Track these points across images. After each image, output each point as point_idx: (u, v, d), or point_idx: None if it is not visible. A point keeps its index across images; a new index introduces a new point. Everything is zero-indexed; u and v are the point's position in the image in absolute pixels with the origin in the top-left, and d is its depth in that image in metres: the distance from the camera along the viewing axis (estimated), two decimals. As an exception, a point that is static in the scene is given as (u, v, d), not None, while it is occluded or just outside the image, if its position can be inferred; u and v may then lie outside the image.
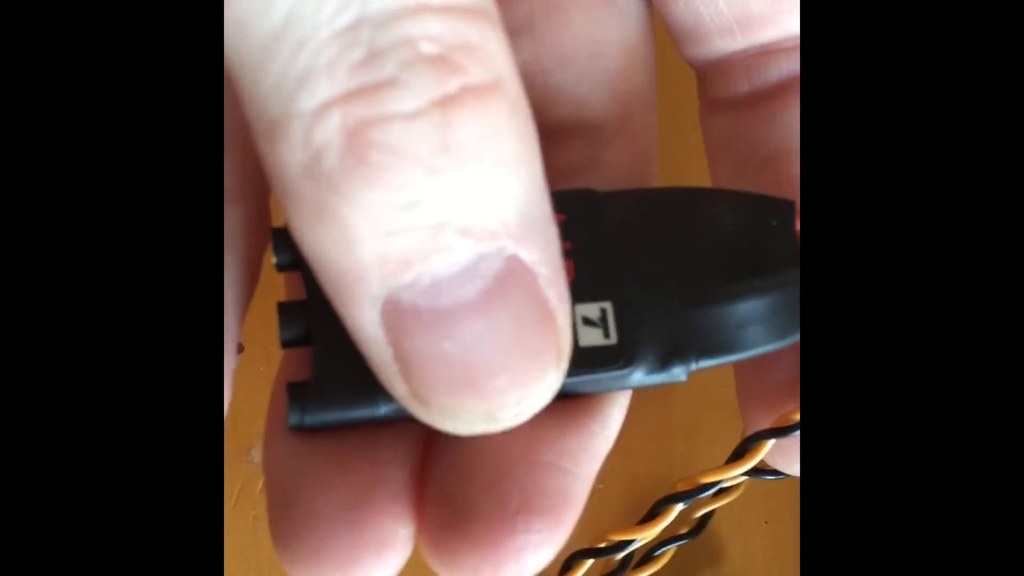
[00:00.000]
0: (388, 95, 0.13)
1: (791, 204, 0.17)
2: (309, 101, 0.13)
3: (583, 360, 0.16)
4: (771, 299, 0.17)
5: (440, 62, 0.13)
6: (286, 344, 0.17)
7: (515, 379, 0.15)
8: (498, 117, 0.14)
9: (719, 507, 0.23)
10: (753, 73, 0.20)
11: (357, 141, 0.13)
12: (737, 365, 0.19)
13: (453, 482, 0.16)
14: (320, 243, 0.14)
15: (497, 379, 0.14)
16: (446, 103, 0.13)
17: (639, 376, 0.17)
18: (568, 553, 0.22)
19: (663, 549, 0.24)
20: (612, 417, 0.17)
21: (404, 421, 0.16)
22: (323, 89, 0.13)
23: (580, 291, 0.16)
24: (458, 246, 0.14)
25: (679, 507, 0.20)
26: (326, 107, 0.13)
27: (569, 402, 0.17)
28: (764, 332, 0.17)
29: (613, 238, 0.17)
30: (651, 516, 0.21)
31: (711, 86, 0.21)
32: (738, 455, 0.20)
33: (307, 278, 0.16)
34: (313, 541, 0.16)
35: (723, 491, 0.22)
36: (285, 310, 0.17)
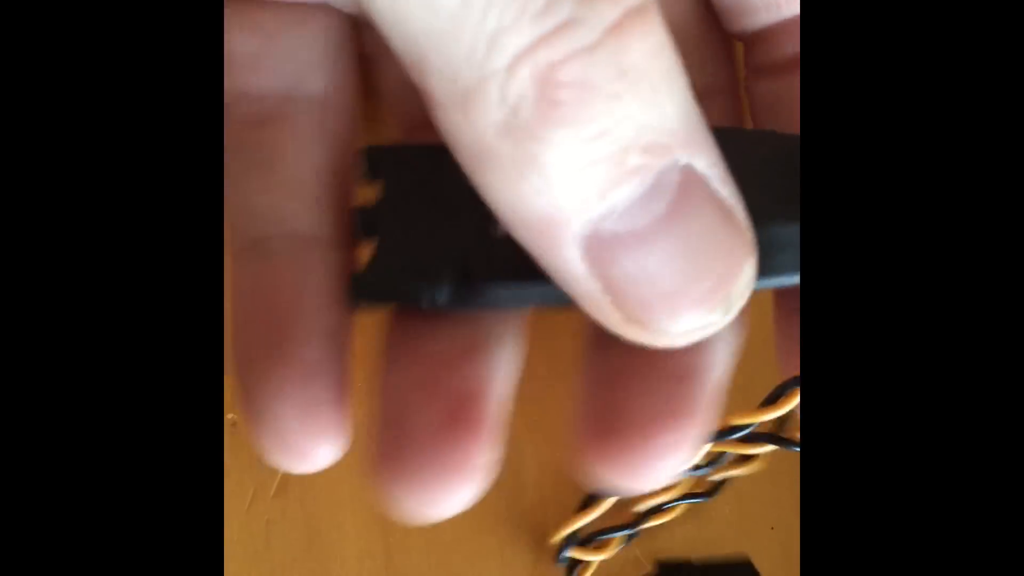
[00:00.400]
0: (569, 35, 0.14)
1: (795, 139, 0.18)
2: (501, 59, 0.14)
3: None
4: (777, 238, 0.17)
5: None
6: (359, 236, 0.19)
7: (717, 279, 0.15)
8: (656, 35, 0.15)
9: (738, 475, 0.24)
10: (796, 38, 0.20)
11: (548, 85, 0.14)
12: (777, 315, 0.20)
13: (607, 393, 0.18)
14: (521, 196, 0.15)
15: (704, 282, 0.15)
16: (616, 30, 0.14)
17: None
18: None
19: (676, 503, 0.25)
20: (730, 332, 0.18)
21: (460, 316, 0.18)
22: (512, 44, 0.14)
23: None
24: (644, 165, 0.15)
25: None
26: (517, 60, 0.14)
27: None
28: (792, 260, 0.17)
29: None
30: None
31: (757, 53, 0.21)
32: (772, 400, 0.21)
33: (386, 186, 0.19)
34: (406, 464, 0.17)
35: (745, 459, 0.23)
36: (360, 211, 0.19)
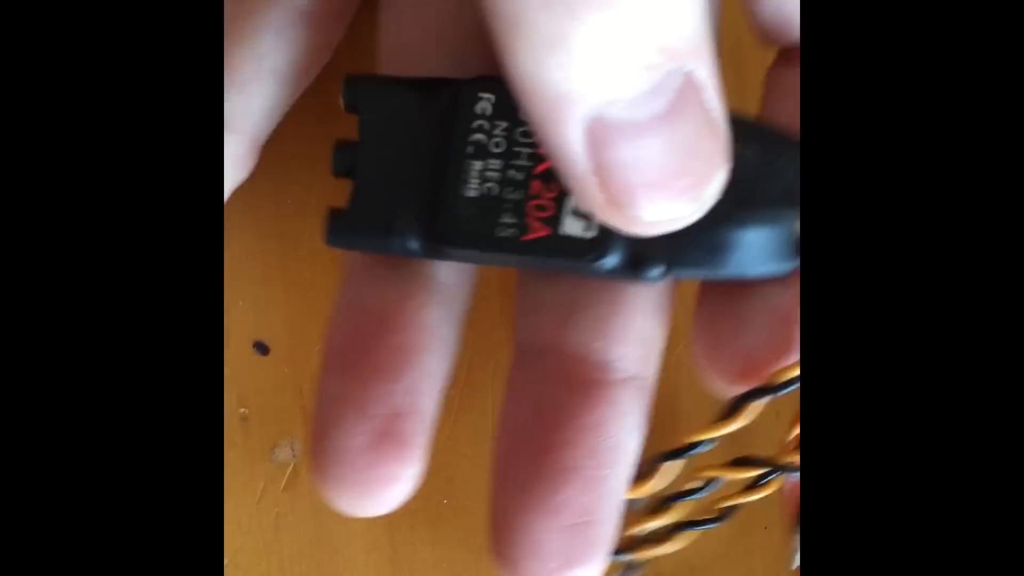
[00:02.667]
0: None
1: (797, 146, 0.19)
2: None
3: (563, 245, 0.19)
4: (760, 231, 0.19)
5: None
6: (336, 174, 0.20)
7: (695, 179, 0.17)
8: None
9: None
10: None
11: None
12: (699, 329, 0.21)
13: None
14: (542, 69, 0.16)
15: (681, 180, 0.17)
16: None
17: (605, 267, 0.19)
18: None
19: (685, 531, 0.23)
20: None
21: (422, 262, 0.20)
22: None
23: None
24: (657, 64, 0.16)
25: (667, 464, 0.21)
26: None
27: None
28: (746, 259, 0.19)
29: None
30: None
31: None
32: (728, 414, 0.20)
33: (363, 122, 0.19)
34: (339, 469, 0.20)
35: (759, 486, 0.22)
36: (339, 146, 0.20)
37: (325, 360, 0.21)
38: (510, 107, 0.19)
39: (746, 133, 0.18)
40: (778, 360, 0.19)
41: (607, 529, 0.20)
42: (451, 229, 0.19)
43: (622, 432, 0.20)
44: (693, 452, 0.21)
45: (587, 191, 0.17)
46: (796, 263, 0.19)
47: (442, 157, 0.19)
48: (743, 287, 0.20)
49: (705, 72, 0.17)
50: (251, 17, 0.21)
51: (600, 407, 0.20)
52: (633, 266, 0.19)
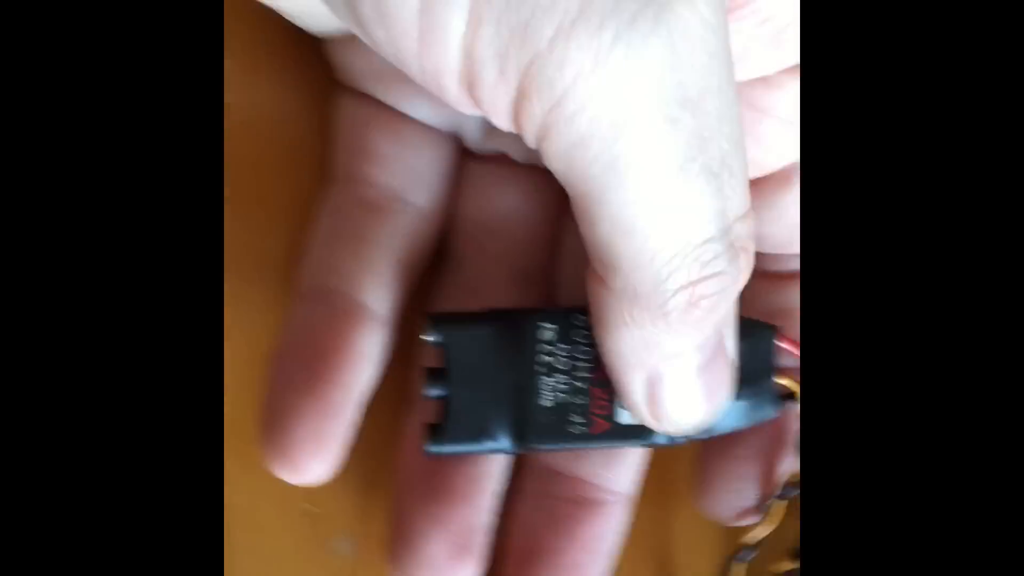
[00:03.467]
0: (716, 281, 0.21)
1: (773, 328, 0.24)
2: (671, 286, 0.21)
3: (621, 432, 0.24)
4: (746, 398, 0.24)
5: (742, 252, 0.21)
6: (428, 397, 0.25)
7: (717, 403, 0.24)
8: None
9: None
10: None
11: (692, 308, 0.21)
12: (700, 489, 0.27)
13: None
14: (628, 351, 0.22)
15: (707, 406, 0.23)
16: (743, 273, 0.22)
17: (655, 441, 0.25)
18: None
19: None
20: None
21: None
22: (679, 280, 0.21)
23: None
24: (708, 338, 0.22)
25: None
26: (680, 290, 0.21)
27: None
28: (740, 419, 0.25)
29: None
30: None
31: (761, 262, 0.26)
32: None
33: (449, 352, 0.24)
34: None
35: None
36: (432, 374, 0.25)
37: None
38: (567, 333, 0.24)
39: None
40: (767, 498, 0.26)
41: None
42: (536, 432, 0.24)
43: (612, 538, 0.26)
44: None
45: (640, 413, 0.23)
46: (780, 409, 0.25)
47: (518, 376, 0.24)
48: (735, 448, 0.26)
49: (729, 331, 0.23)
50: (389, 227, 0.27)
51: (603, 521, 0.26)
52: (671, 439, 0.24)
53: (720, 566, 0.26)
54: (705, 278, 0.21)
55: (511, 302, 0.26)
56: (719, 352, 0.23)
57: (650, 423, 0.23)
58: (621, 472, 0.26)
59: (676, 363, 0.22)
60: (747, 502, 0.26)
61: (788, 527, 0.25)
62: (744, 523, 0.26)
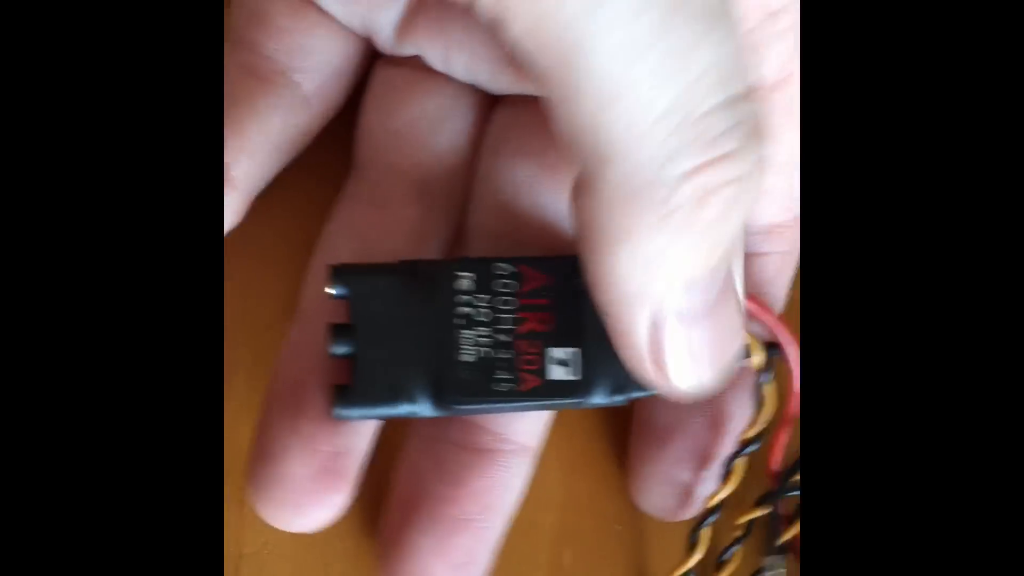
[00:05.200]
0: (728, 166, 0.18)
1: None
2: (673, 171, 0.18)
3: (554, 390, 0.23)
4: None
5: (756, 135, 0.19)
6: (333, 355, 0.23)
7: (725, 357, 0.21)
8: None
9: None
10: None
11: (702, 204, 0.18)
12: (637, 437, 0.26)
13: None
14: (624, 274, 0.19)
15: (716, 359, 0.21)
16: (760, 166, 0.19)
17: (593, 402, 0.23)
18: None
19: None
20: None
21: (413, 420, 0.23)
22: (683, 164, 0.18)
23: (557, 338, 0.23)
24: (715, 265, 0.20)
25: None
26: (685, 177, 0.18)
27: None
28: None
29: (582, 298, 0.22)
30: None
31: None
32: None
33: (355, 306, 0.22)
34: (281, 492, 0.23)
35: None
36: (337, 330, 0.23)
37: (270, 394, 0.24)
38: (487, 283, 0.23)
39: None
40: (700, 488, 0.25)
41: (483, 570, 0.24)
42: (457, 390, 0.22)
43: (508, 493, 0.24)
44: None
45: (640, 365, 0.21)
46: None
47: (434, 330, 0.22)
48: (665, 449, 0.25)
49: (737, 264, 0.21)
50: (265, 98, 0.25)
51: (496, 471, 0.24)
52: (611, 395, 0.23)
53: (687, 536, 0.25)
54: (714, 161, 0.18)
55: (412, 220, 0.25)
56: (729, 290, 0.20)
57: (650, 379, 0.21)
58: (521, 421, 0.24)
59: (685, 297, 0.19)
60: (682, 502, 0.25)
61: (750, 484, 0.25)
62: (682, 518, 0.26)
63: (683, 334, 0.20)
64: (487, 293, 0.22)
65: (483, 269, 0.22)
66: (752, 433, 0.24)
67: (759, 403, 0.24)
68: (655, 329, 0.20)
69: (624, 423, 0.27)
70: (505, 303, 0.23)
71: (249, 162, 0.24)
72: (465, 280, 0.22)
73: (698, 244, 0.19)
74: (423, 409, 0.22)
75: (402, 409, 0.22)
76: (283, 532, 0.27)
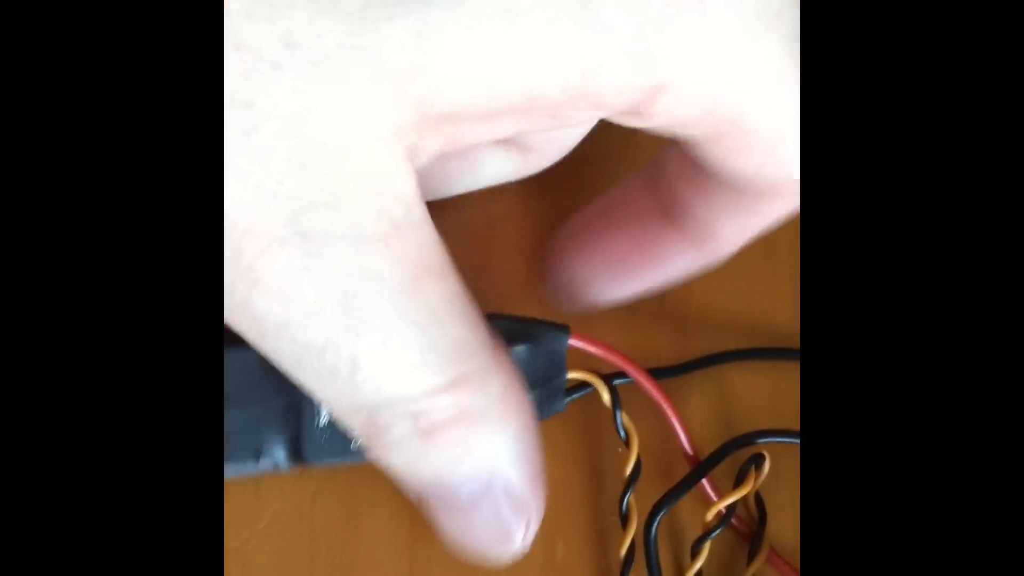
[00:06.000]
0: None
1: (566, 328, 0.25)
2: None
3: None
4: (537, 400, 0.24)
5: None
6: None
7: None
8: None
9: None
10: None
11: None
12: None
13: None
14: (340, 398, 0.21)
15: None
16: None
17: None
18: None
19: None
20: None
21: None
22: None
23: None
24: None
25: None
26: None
27: None
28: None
29: None
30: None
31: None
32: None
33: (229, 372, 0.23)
34: None
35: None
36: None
37: None
38: None
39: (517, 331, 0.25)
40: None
41: None
42: (317, 450, 0.24)
43: None
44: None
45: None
46: (566, 402, 0.26)
47: (289, 397, 0.23)
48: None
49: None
50: None
51: None
52: None
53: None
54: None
55: None
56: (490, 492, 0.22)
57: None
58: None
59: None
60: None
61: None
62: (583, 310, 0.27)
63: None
64: None
65: None
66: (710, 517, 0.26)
67: (626, 438, 0.25)
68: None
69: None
70: None
71: None
72: None
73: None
74: (282, 465, 0.24)
75: (264, 465, 0.24)
76: (267, 527, 0.26)
